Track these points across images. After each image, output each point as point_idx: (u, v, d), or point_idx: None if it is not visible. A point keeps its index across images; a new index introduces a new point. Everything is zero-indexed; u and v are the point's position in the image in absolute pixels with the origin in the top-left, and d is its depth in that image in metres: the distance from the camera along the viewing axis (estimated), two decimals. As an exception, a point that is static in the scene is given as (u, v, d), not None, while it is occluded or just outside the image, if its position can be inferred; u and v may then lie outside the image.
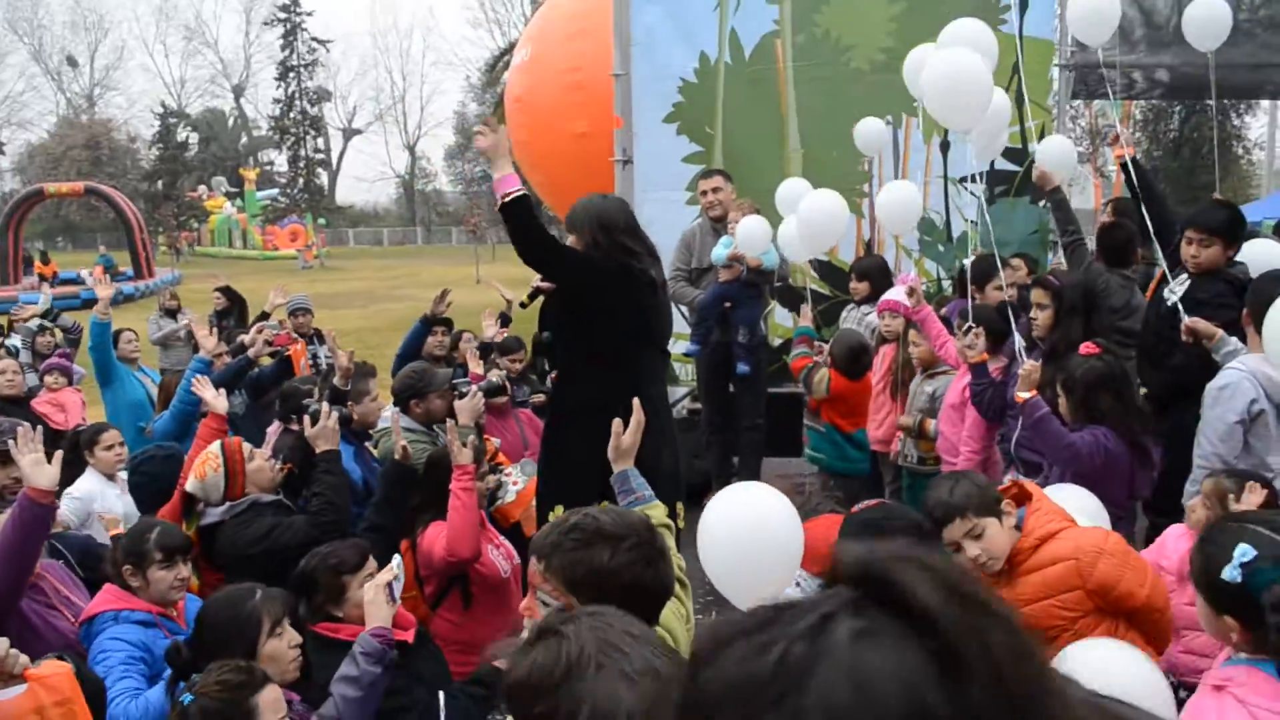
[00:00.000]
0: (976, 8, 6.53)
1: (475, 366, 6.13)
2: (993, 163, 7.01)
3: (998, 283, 5.53)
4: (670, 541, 2.48)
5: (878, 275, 6.70)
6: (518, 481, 4.90)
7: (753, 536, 2.66)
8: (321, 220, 53.34)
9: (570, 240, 4.37)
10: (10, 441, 3.43)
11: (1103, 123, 19.28)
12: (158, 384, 6.70)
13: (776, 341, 7.99)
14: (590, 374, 4.18)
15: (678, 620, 2.32)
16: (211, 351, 6.02)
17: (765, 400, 7.01)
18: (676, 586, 2.29)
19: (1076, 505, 3.54)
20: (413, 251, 56.29)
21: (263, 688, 2.49)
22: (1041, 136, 7.01)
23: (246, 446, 4.31)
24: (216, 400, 4.80)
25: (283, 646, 2.98)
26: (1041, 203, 6.99)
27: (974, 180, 6.84)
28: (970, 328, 4.88)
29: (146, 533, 3.47)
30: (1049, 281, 4.98)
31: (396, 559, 3.38)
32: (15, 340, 8.69)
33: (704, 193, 6.86)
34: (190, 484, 4.18)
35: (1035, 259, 7.02)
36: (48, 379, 7.45)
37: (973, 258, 5.79)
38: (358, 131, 73.82)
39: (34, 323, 9.16)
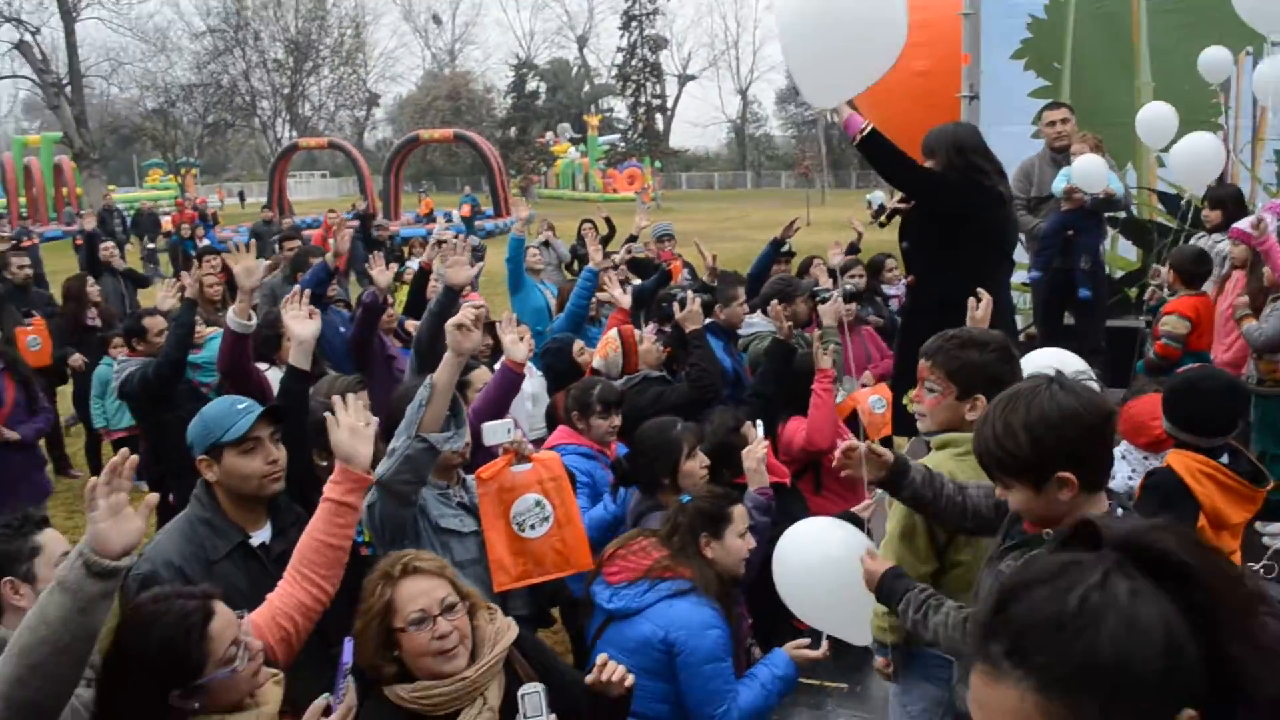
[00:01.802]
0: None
1: (825, 282, 6.83)
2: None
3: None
4: None
5: (1231, 204, 6.73)
6: (837, 395, 5.56)
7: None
8: (657, 164, 55.38)
9: (927, 164, 4.97)
10: (503, 320, 4.40)
11: None
12: (555, 296, 7.87)
13: (1118, 274, 8.12)
14: (944, 275, 4.79)
15: None
16: (599, 265, 7.09)
17: (1104, 330, 7.22)
18: None
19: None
20: (743, 195, 57.16)
21: (737, 504, 3.39)
22: None
23: (638, 331, 5.28)
24: (622, 297, 5.80)
25: (695, 466, 3.85)
26: None
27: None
28: None
29: (591, 389, 4.46)
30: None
31: (760, 432, 4.11)
32: (434, 257, 10.28)
33: (1050, 124, 7.12)
34: (596, 362, 5.21)
35: None
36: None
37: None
38: (692, 78, 75.73)
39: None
